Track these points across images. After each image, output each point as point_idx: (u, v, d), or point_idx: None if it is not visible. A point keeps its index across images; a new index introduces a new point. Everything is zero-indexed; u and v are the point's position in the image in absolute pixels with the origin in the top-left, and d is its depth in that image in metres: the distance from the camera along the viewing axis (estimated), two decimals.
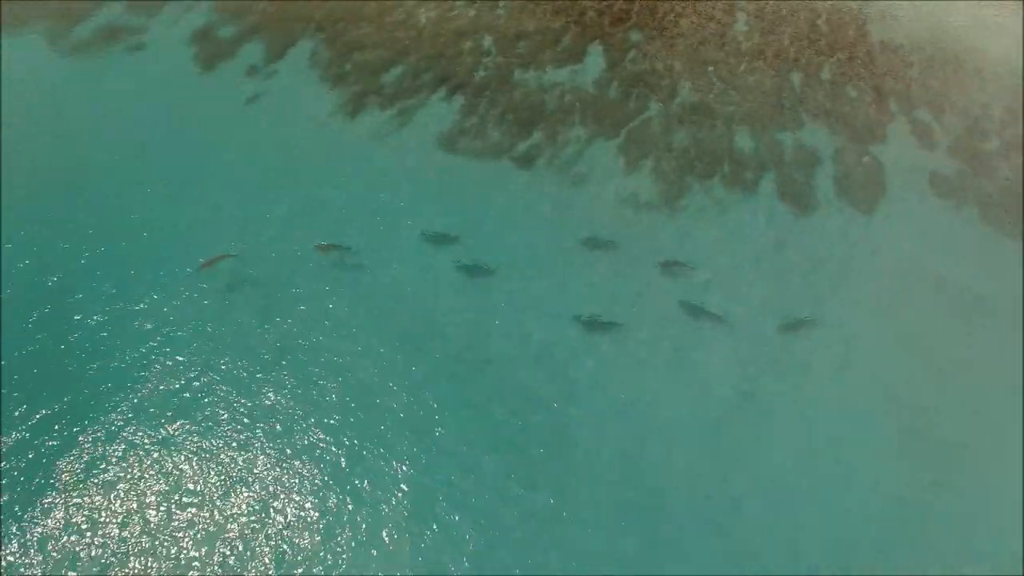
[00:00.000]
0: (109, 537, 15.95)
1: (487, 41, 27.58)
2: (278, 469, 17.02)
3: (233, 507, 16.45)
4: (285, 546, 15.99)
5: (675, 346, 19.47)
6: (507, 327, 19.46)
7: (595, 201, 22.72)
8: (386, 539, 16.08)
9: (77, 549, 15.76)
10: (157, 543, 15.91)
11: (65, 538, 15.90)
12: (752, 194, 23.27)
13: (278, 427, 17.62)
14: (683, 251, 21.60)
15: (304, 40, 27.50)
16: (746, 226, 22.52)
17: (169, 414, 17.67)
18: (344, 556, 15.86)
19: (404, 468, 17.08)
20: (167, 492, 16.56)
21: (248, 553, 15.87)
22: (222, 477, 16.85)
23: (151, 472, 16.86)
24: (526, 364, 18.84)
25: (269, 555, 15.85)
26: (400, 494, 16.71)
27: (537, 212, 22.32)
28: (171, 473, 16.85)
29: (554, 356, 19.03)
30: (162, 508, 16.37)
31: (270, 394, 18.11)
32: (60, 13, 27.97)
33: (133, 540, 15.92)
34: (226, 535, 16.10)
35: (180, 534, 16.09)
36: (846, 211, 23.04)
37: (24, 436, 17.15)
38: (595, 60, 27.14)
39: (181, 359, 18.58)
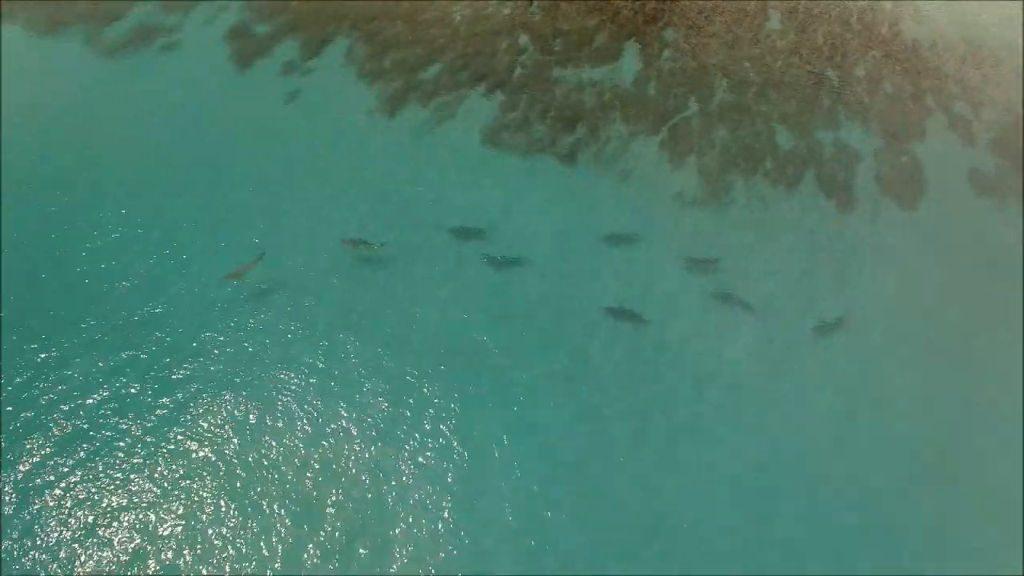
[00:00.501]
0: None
1: (523, 39, 27.57)
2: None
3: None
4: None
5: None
6: (546, 323, 19.37)
7: (640, 197, 22.68)
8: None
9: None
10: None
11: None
12: (795, 190, 23.26)
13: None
14: (727, 246, 21.60)
15: (339, 38, 27.45)
16: (789, 222, 22.51)
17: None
18: None
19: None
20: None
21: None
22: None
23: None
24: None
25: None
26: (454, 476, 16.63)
27: (581, 207, 22.25)
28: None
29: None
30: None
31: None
32: (92, 14, 27.88)
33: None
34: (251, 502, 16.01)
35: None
36: (887, 207, 23.05)
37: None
38: (631, 58, 27.14)
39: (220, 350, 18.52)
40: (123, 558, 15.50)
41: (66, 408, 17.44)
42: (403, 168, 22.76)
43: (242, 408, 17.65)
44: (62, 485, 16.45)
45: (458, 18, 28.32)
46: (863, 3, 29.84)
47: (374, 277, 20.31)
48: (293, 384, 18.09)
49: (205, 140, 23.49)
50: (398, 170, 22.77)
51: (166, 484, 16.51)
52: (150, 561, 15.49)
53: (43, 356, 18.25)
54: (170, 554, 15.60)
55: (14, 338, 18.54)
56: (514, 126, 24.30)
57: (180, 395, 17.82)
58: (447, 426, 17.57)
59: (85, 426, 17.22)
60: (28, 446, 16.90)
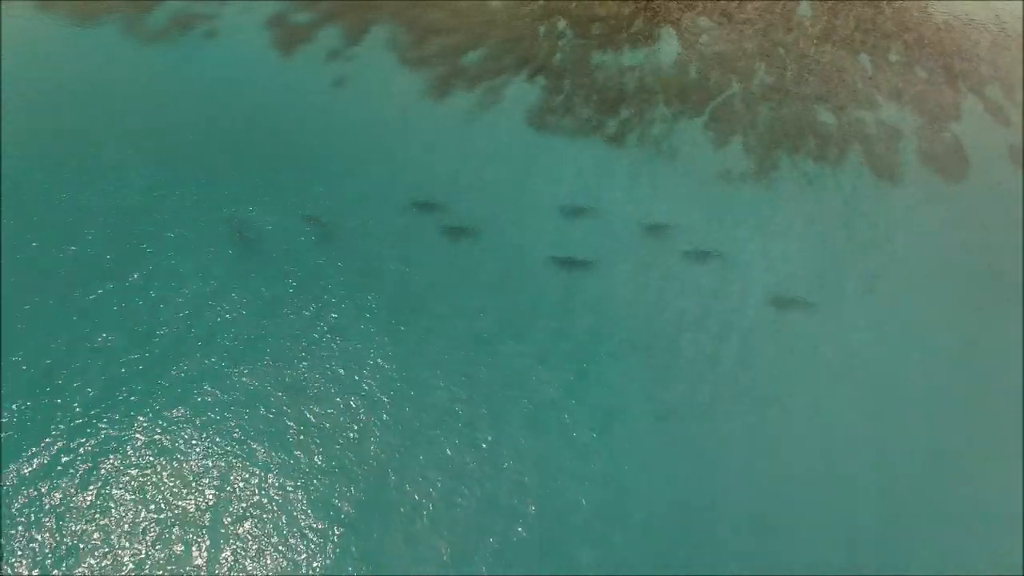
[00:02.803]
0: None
1: (561, 25, 27.87)
2: None
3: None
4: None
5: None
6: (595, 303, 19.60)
7: (688, 176, 22.96)
8: None
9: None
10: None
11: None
12: (840, 168, 23.62)
13: None
14: (775, 222, 21.89)
15: (379, 25, 27.63)
16: (836, 198, 22.84)
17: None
18: None
19: None
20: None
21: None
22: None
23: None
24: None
25: None
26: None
27: (633, 186, 22.49)
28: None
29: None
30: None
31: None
32: (129, 2, 27.89)
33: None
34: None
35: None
36: (933, 183, 23.47)
37: None
38: (669, 44, 27.51)
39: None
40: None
41: None
42: (456, 150, 22.89)
43: None
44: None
45: (496, 5, 28.58)
46: None
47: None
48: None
49: (259, 126, 23.52)
50: (451, 152, 22.91)
51: None
52: None
53: None
54: None
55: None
56: (560, 109, 24.53)
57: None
58: None
59: None
60: None
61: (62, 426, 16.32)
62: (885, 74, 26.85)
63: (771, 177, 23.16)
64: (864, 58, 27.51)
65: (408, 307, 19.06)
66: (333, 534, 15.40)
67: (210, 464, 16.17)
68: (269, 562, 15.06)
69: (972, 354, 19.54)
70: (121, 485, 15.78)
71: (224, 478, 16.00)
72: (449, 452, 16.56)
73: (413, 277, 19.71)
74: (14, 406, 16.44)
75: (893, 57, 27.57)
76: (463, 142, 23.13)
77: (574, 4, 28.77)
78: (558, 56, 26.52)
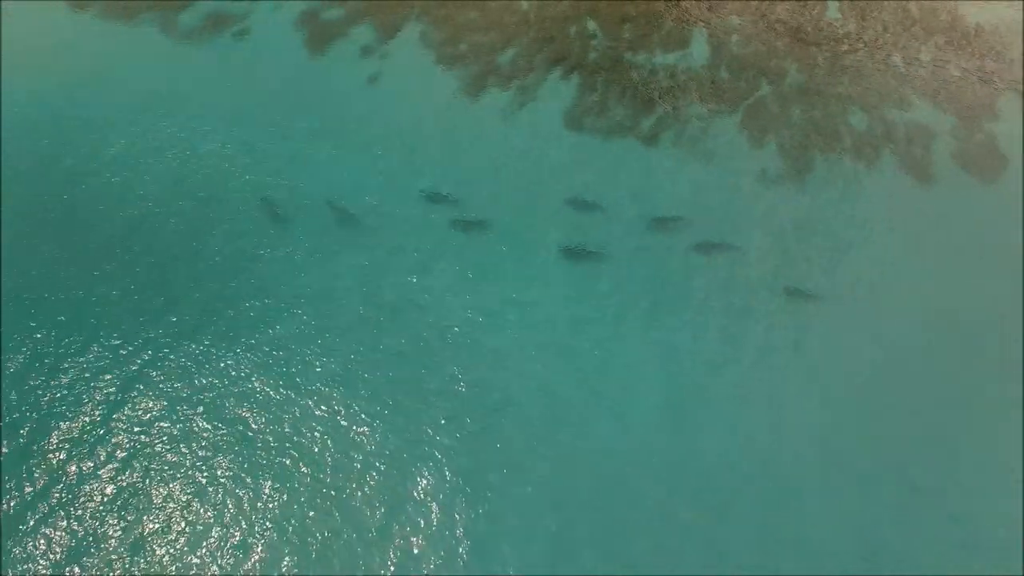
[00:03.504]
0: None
1: (592, 25, 27.92)
2: None
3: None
4: None
5: None
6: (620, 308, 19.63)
7: (726, 176, 22.97)
8: None
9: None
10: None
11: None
12: (875, 168, 23.61)
13: None
14: (817, 224, 21.89)
15: (410, 23, 27.74)
16: (873, 199, 22.83)
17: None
18: None
19: None
20: None
21: None
22: None
23: None
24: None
25: None
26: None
27: (671, 188, 22.52)
28: None
29: None
30: None
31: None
32: (162, 4, 28.05)
33: None
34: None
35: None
36: (968, 183, 23.43)
37: None
38: (700, 43, 27.52)
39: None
40: None
41: None
42: (495, 149, 22.99)
43: None
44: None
45: (525, 5, 28.65)
46: None
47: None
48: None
49: (296, 124, 23.70)
50: (489, 150, 23.01)
51: None
52: None
53: None
54: None
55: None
56: (595, 109, 24.57)
57: None
58: None
59: None
60: None
61: None
62: (918, 73, 26.79)
63: (805, 179, 23.16)
64: (896, 58, 27.46)
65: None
66: None
67: None
68: None
69: (992, 349, 19.43)
70: None
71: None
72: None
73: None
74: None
75: (925, 56, 27.52)
76: (501, 140, 23.21)
77: (604, 3, 28.80)
78: (591, 56, 26.57)
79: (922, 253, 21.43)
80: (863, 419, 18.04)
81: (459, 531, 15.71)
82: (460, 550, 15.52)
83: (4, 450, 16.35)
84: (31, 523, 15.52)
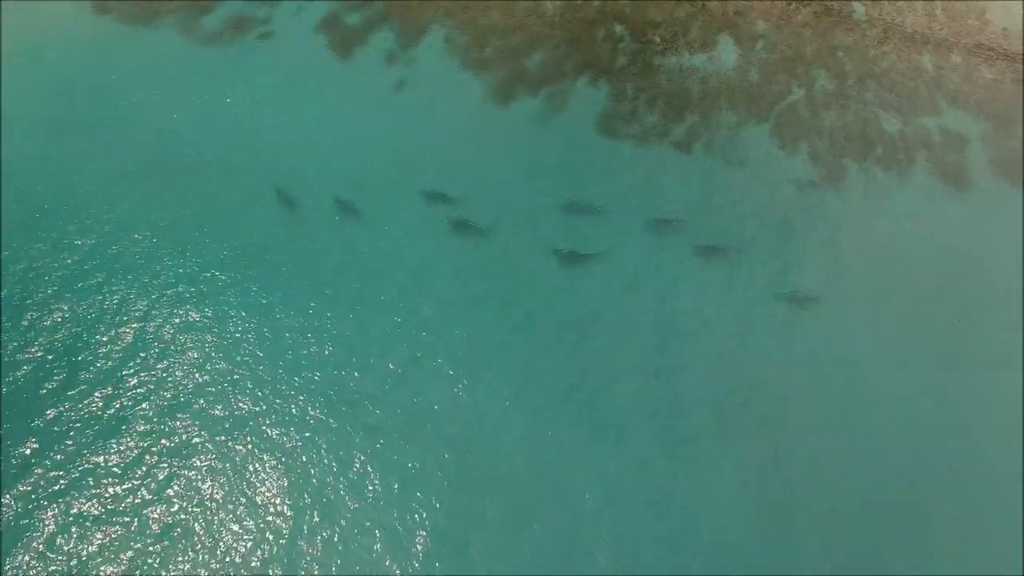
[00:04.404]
0: None
1: (618, 29, 27.59)
2: None
3: None
4: None
5: None
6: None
7: (759, 183, 22.76)
8: None
9: None
10: None
11: None
12: (908, 175, 23.43)
13: None
14: (851, 230, 21.74)
15: (434, 26, 27.35)
16: (908, 206, 22.67)
17: None
18: None
19: None
20: None
21: None
22: None
23: None
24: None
25: None
26: None
27: (706, 196, 22.31)
28: None
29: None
30: None
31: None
32: (186, 6, 27.61)
33: None
34: None
35: None
36: (1003, 189, 23.27)
37: None
38: (727, 48, 27.24)
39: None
40: None
41: None
42: (528, 157, 22.72)
43: None
44: None
45: (551, 8, 28.30)
46: None
47: None
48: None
49: (323, 131, 23.42)
50: (521, 159, 22.73)
51: None
52: None
53: None
54: None
55: None
56: (626, 115, 24.29)
57: None
58: None
59: None
60: None
61: None
62: (949, 77, 26.57)
63: (839, 186, 22.97)
64: (926, 60, 27.22)
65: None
66: None
67: None
68: None
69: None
70: None
71: None
72: None
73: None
74: None
75: (956, 59, 27.29)
76: (533, 148, 22.94)
77: (629, 6, 28.46)
78: (619, 60, 26.26)
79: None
80: (866, 420, 18.16)
81: None
82: None
83: None
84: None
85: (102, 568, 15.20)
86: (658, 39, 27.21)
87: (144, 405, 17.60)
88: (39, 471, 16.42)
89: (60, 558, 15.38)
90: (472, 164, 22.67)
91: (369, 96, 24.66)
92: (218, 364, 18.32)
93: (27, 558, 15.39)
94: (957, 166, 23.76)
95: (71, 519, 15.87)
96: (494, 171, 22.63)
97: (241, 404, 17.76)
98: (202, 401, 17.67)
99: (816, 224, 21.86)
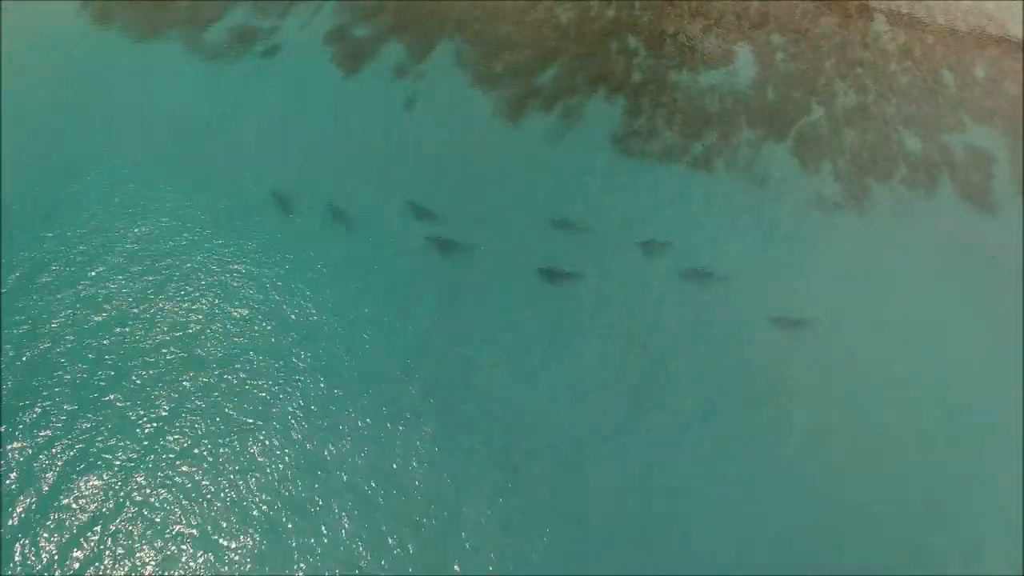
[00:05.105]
0: None
1: (632, 42, 26.97)
2: None
3: None
4: None
5: None
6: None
7: (782, 205, 22.15)
8: None
9: None
10: None
11: None
12: (933, 195, 22.81)
13: None
14: (879, 252, 21.13)
15: (444, 40, 26.74)
16: (934, 227, 22.06)
17: None
18: None
19: None
20: None
21: None
22: None
23: None
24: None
25: None
26: None
27: (730, 217, 21.70)
28: None
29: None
30: None
31: None
32: (188, 18, 27.01)
33: None
34: None
35: None
36: None
37: None
38: (745, 62, 26.61)
39: None
40: None
41: None
42: (541, 178, 22.12)
43: None
44: None
45: (564, 19, 27.67)
46: (966, 4, 29.41)
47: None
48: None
49: (328, 150, 22.85)
50: (533, 180, 22.14)
51: None
52: None
53: None
54: None
55: None
56: (644, 133, 23.66)
57: None
58: None
59: None
60: None
61: None
62: (972, 92, 25.93)
63: (863, 207, 22.35)
64: (947, 75, 26.58)
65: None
66: None
67: None
68: None
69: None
70: None
71: None
72: None
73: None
74: None
75: (979, 73, 26.65)
76: (552, 167, 22.34)
77: (644, 18, 27.82)
78: (635, 76, 25.63)
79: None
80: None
81: None
82: None
83: None
84: None
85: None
86: (673, 53, 26.56)
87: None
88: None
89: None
90: (477, 185, 22.06)
91: (377, 111, 24.04)
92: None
93: None
94: (982, 185, 23.12)
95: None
96: (495, 191, 21.95)
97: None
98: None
99: (839, 246, 21.22)
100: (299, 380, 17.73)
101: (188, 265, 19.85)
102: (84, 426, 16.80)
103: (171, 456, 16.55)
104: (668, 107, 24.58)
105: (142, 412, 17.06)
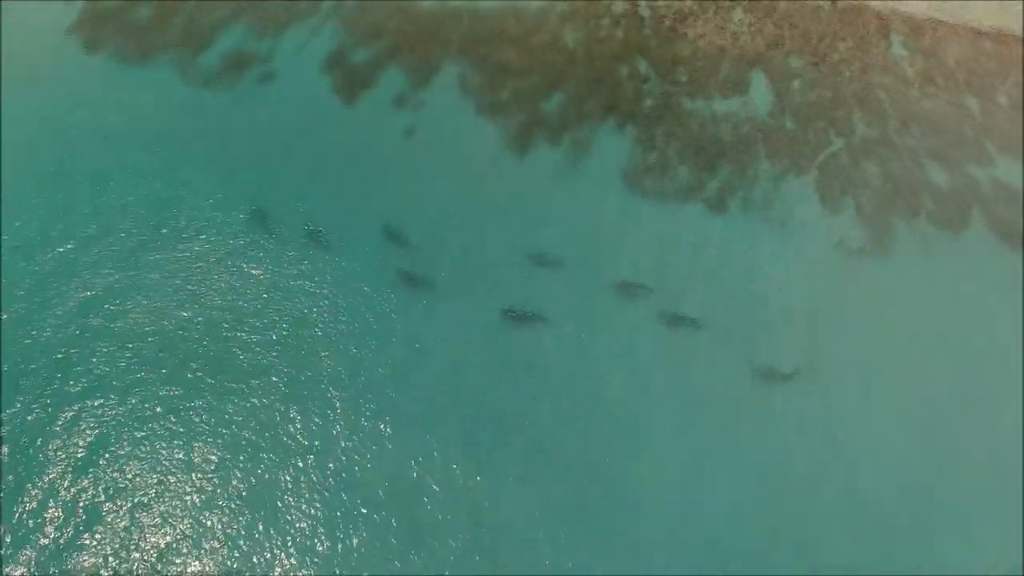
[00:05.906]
0: None
1: (643, 66, 25.87)
2: None
3: None
4: None
5: None
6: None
7: (800, 250, 21.15)
8: None
9: None
10: None
11: None
12: (963, 233, 21.82)
13: None
14: (908, 296, 20.18)
15: (447, 64, 25.62)
16: (965, 267, 21.10)
17: None
18: None
19: None
20: None
21: None
22: None
23: None
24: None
25: None
26: None
27: (742, 262, 20.70)
28: None
29: None
30: None
31: None
32: (181, 41, 25.86)
33: None
34: None
35: None
36: None
37: None
38: (760, 88, 25.54)
39: None
40: None
41: None
42: (549, 218, 21.12)
43: None
44: None
45: (571, 42, 26.55)
46: (989, 24, 28.30)
47: None
48: None
49: (329, 180, 21.90)
50: (542, 221, 21.13)
51: None
52: None
53: None
54: None
55: None
56: (657, 168, 22.60)
57: None
58: None
59: None
60: None
61: None
62: (996, 120, 24.87)
63: (888, 246, 21.36)
64: (971, 101, 25.51)
65: None
66: None
67: None
68: None
69: None
70: None
71: None
72: None
73: None
74: None
75: (1002, 99, 25.58)
76: (559, 203, 21.33)
77: (654, 43, 26.70)
78: (646, 103, 24.55)
79: None
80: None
81: None
82: None
83: None
84: None
85: None
86: (685, 79, 25.46)
87: None
88: None
89: None
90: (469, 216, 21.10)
91: (375, 141, 23.02)
92: None
93: None
94: (1013, 223, 22.10)
95: None
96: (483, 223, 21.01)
97: None
98: None
99: (866, 287, 20.26)
100: None
101: None
102: None
103: None
104: (682, 139, 23.50)
105: None
